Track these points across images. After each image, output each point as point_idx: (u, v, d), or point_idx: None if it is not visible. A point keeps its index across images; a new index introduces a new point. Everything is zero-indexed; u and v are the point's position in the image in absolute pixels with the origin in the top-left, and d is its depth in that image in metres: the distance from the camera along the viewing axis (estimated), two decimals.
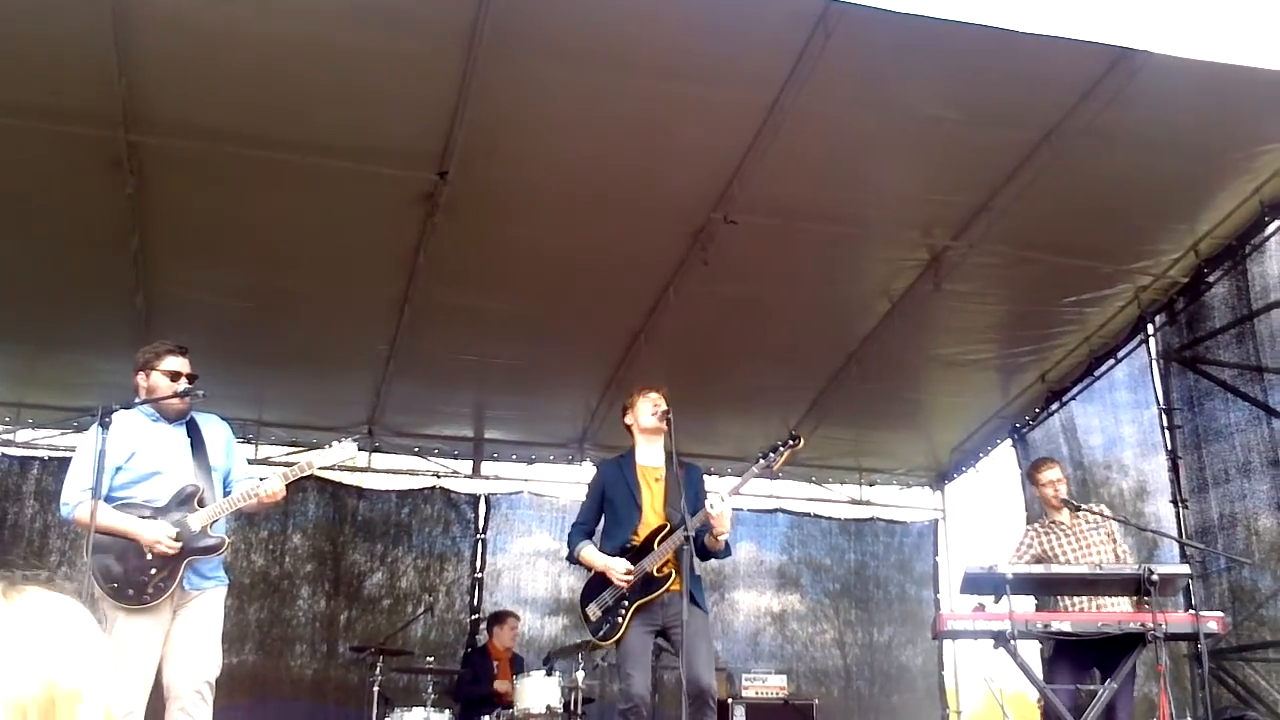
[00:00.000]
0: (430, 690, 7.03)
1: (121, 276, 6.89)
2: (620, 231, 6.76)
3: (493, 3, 4.93)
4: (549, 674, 6.86)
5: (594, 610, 4.95)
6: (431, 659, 8.03)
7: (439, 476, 9.65)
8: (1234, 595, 6.80)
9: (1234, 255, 6.84)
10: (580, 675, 6.78)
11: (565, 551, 5.30)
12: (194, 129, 5.69)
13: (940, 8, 4.30)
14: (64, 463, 4.77)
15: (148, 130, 5.67)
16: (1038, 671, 5.60)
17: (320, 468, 4.80)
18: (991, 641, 5.01)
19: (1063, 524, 5.88)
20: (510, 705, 6.91)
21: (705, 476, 5.37)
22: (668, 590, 4.83)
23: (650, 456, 5.13)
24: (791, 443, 4.90)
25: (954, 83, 5.54)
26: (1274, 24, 4.35)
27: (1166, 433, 7.37)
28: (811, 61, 5.31)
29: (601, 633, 4.92)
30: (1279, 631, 6.55)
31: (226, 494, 4.54)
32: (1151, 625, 4.83)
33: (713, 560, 5.29)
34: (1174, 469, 7.27)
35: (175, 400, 4.47)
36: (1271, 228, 6.58)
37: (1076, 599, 5.62)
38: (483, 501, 9.68)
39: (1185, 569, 5.31)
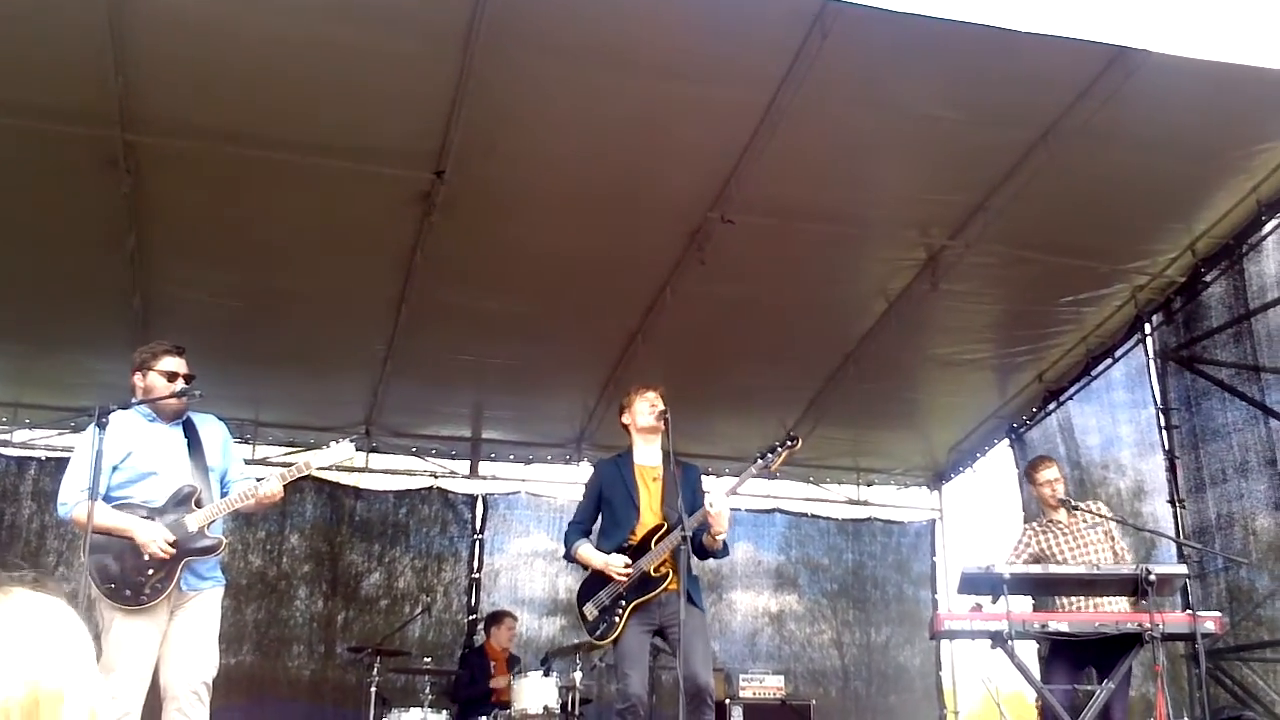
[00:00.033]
0: (427, 691, 7.02)
1: (118, 276, 6.89)
2: (617, 231, 6.76)
3: (489, 1, 4.92)
4: (546, 674, 6.85)
5: (591, 609, 4.94)
6: (429, 659, 8.04)
7: (436, 477, 9.65)
8: (1231, 595, 6.80)
9: (1231, 254, 6.85)
10: (578, 676, 6.77)
11: (562, 550, 5.29)
12: (190, 128, 5.69)
13: (937, 7, 4.30)
14: (61, 463, 4.76)
15: (144, 129, 5.67)
16: (1035, 672, 5.60)
17: (318, 468, 4.79)
18: (989, 642, 5.00)
19: (1060, 523, 5.88)
20: (507, 705, 6.91)
21: (703, 477, 5.37)
22: (665, 590, 4.83)
23: (648, 456, 5.12)
24: (789, 443, 4.89)
25: (951, 82, 5.54)
26: (1271, 23, 4.35)
27: (1164, 432, 7.37)
28: (809, 61, 5.31)
29: (599, 632, 4.91)
30: (1276, 631, 6.55)
31: (223, 494, 4.53)
32: (1149, 625, 4.83)
33: (710, 560, 5.28)
34: (1171, 469, 7.27)
35: (172, 400, 4.46)
36: (1268, 227, 6.58)
37: (1073, 599, 5.63)
38: (480, 502, 9.69)
39: (1182, 569, 5.30)
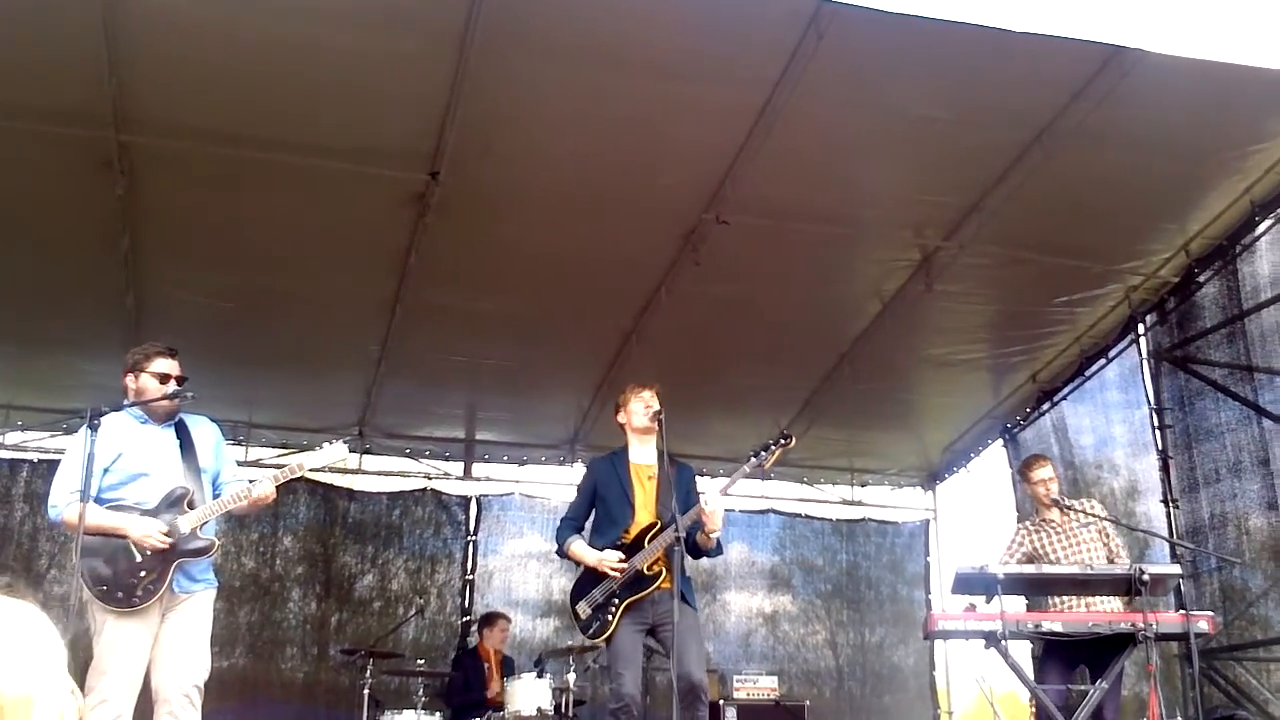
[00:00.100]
0: (421, 693, 7.03)
1: (111, 277, 6.87)
2: (612, 231, 6.75)
3: (485, 2, 4.92)
4: (540, 676, 6.85)
5: (584, 608, 4.93)
6: (422, 661, 8.02)
7: (430, 478, 9.63)
8: (1225, 595, 6.82)
9: (1224, 255, 6.87)
10: (571, 677, 6.78)
11: (554, 547, 5.29)
12: (184, 129, 5.67)
13: (932, 7, 4.28)
14: (53, 465, 4.74)
15: (138, 130, 5.65)
16: (1029, 672, 5.60)
17: (311, 469, 4.77)
18: (983, 642, 5.01)
19: (1053, 522, 5.89)
20: (501, 708, 6.90)
21: (696, 477, 5.37)
22: (658, 588, 4.83)
23: (643, 455, 5.13)
24: (783, 441, 4.89)
25: (945, 83, 5.54)
26: (1266, 22, 4.35)
27: (1157, 432, 7.39)
28: (804, 62, 5.31)
29: (592, 630, 4.91)
30: (1269, 631, 6.56)
31: (216, 496, 4.51)
32: (1142, 625, 4.84)
33: (704, 560, 5.28)
34: (1165, 469, 7.28)
35: (164, 402, 4.45)
36: (1262, 227, 6.60)
37: (1066, 599, 5.63)
38: (474, 503, 9.68)
39: (1176, 569, 5.31)
